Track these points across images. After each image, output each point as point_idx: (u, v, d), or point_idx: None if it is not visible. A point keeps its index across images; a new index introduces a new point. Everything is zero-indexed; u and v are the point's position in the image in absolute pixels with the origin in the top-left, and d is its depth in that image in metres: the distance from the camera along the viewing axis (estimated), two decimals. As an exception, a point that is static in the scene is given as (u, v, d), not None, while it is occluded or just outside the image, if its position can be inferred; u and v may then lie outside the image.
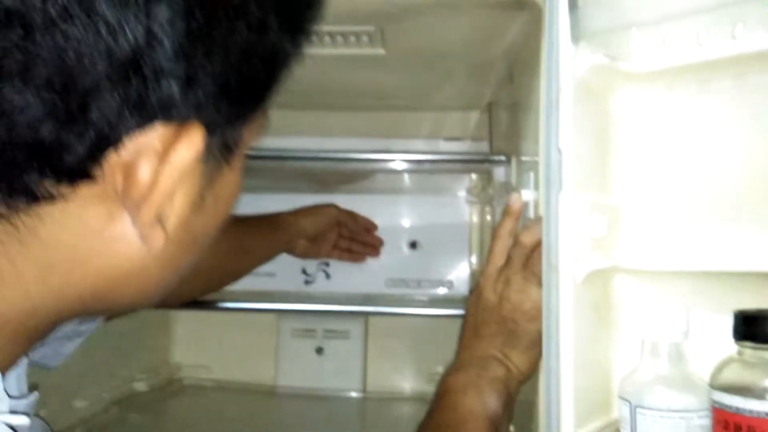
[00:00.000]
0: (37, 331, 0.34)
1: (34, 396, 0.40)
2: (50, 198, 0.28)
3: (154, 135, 0.29)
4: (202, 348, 1.18)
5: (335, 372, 1.12)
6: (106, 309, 0.37)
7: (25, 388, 0.40)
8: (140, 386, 1.07)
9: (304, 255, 1.06)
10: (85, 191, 0.29)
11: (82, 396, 0.93)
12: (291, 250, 1.03)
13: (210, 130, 0.30)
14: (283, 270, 1.12)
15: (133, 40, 0.26)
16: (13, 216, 0.29)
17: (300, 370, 1.12)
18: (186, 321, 1.19)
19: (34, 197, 0.28)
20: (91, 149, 0.28)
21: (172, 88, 0.28)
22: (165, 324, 1.18)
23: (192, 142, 0.30)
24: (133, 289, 0.34)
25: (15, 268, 0.30)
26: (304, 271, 1.12)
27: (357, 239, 1.11)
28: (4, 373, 0.34)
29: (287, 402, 1.09)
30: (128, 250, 0.32)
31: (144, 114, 0.28)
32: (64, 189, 0.29)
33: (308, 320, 1.14)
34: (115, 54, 0.26)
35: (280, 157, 0.94)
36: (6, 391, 0.34)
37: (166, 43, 0.26)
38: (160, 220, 0.31)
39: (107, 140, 0.28)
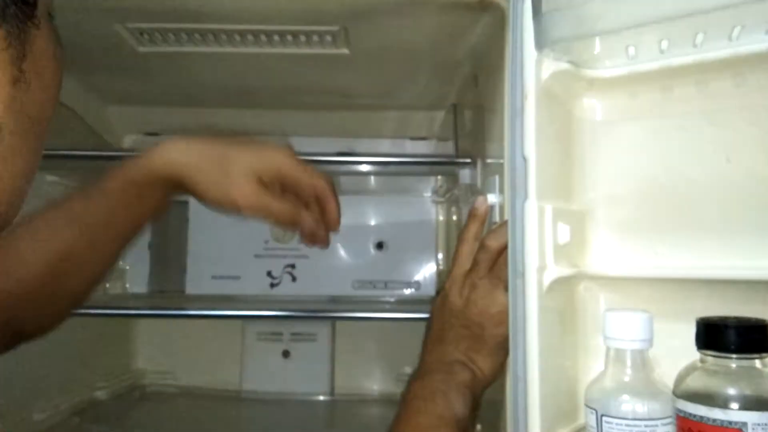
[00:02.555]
0: None
1: None
2: None
3: None
4: (165, 353, 1.16)
5: (302, 375, 1.11)
6: None
7: None
8: (101, 394, 1.04)
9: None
10: None
11: (41, 407, 0.90)
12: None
13: None
14: (248, 273, 1.10)
15: None
16: None
17: (266, 374, 1.11)
18: (148, 325, 1.17)
19: None
20: None
21: None
22: (126, 329, 1.15)
23: None
24: None
25: None
26: (269, 274, 1.11)
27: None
28: None
29: (254, 407, 1.08)
30: None
31: None
32: None
33: (274, 323, 1.12)
34: None
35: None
36: None
37: None
38: None
39: None
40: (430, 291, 1.10)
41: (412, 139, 1.13)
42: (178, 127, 1.11)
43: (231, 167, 0.57)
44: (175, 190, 0.59)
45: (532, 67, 0.46)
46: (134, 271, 1.15)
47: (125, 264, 1.15)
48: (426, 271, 1.12)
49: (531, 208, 0.45)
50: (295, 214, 0.61)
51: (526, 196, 0.46)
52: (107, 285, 1.11)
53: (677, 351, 0.43)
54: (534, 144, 0.45)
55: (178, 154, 0.58)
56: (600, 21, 0.41)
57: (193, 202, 1.13)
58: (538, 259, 0.45)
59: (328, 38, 0.74)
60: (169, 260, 1.14)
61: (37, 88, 0.31)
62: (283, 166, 0.60)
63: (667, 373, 0.43)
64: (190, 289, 1.10)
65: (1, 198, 0.31)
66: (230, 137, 0.60)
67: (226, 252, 1.10)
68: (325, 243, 0.65)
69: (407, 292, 1.11)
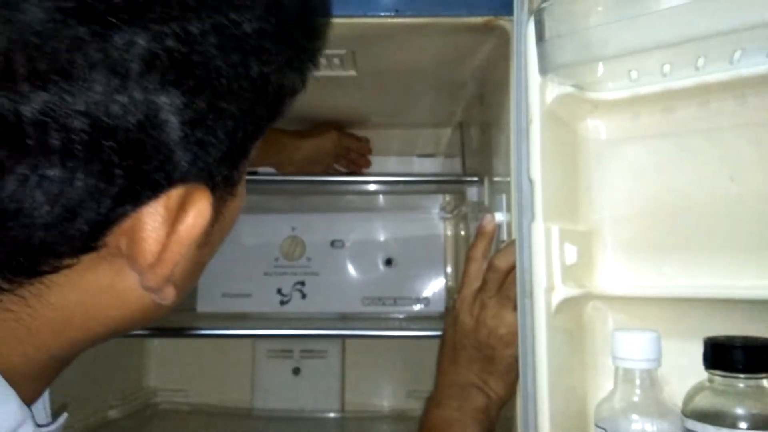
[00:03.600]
0: (56, 370, 0.34)
1: (63, 418, 0.39)
2: (53, 271, 0.28)
3: (160, 202, 0.27)
4: (177, 371, 1.17)
5: (313, 392, 1.11)
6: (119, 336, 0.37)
7: (49, 413, 0.40)
8: (114, 413, 1.04)
9: (292, 172, 1.02)
10: (89, 256, 0.28)
11: (54, 427, 0.90)
12: (279, 168, 1.01)
13: (216, 179, 0.29)
14: (258, 291, 1.11)
15: (137, 124, 0.25)
16: (17, 288, 0.28)
17: (277, 391, 1.11)
18: (160, 344, 1.17)
19: (37, 274, 0.28)
20: (95, 232, 0.27)
21: (181, 162, 0.27)
22: (139, 348, 1.16)
23: (200, 212, 0.28)
24: (147, 322, 0.34)
25: (29, 330, 0.30)
26: (279, 292, 1.12)
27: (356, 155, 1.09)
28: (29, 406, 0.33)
29: (265, 424, 1.08)
30: (140, 300, 0.31)
31: (150, 190, 0.27)
32: (68, 261, 0.28)
33: (284, 341, 1.13)
34: (121, 141, 0.25)
35: (256, 180, 0.93)
36: (35, 420, 0.33)
37: (174, 125, 0.26)
38: (170, 280, 0.30)
39: (113, 220, 0.27)
40: (440, 307, 1.10)
41: (420, 156, 1.14)
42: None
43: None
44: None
45: (536, 92, 0.47)
46: (146, 291, 1.16)
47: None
48: (435, 287, 1.12)
49: (538, 229, 0.46)
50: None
51: (532, 218, 0.46)
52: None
53: (686, 370, 0.43)
54: (539, 166, 0.46)
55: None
56: (602, 47, 0.42)
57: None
58: (545, 279, 0.46)
59: (336, 61, 0.76)
60: (181, 279, 1.15)
61: (216, 240, 0.33)
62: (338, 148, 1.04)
63: (675, 391, 0.44)
64: (201, 307, 1.11)
65: (160, 316, 0.34)
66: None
67: (236, 270, 1.11)
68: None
69: (416, 308, 1.11)
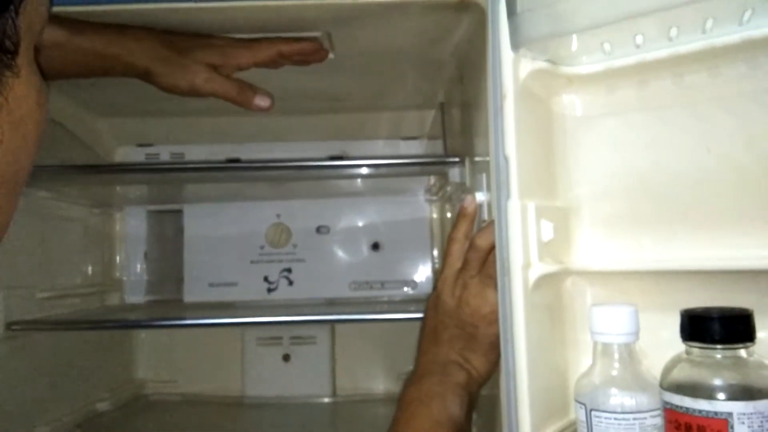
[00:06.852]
0: None
1: None
2: None
3: None
4: (166, 362, 1.17)
5: (303, 378, 1.11)
6: None
7: None
8: (104, 406, 1.04)
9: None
10: None
11: (43, 421, 0.90)
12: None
13: None
14: (245, 279, 1.10)
15: None
16: None
17: (267, 378, 1.12)
18: (148, 335, 1.17)
19: None
20: None
21: None
22: (127, 340, 1.16)
23: None
24: None
25: None
26: (266, 279, 1.11)
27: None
28: None
29: (256, 412, 1.08)
30: None
31: None
32: None
33: (273, 328, 1.13)
34: None
35: (238, 168, 0.92)
36: None
37: None
38: None
39: None
40: (428, 290, 1.10)
41: (404, 139, 1.13)
42: (169, 136, 1.12)
43: (188, 60, 0.66)
44: (137, 77, 0.66)
45: (509, 67, 0.46)
46: (131, 282, 1.15)
47: (122, 275, 1.16)
48: (422, 270, 1.12)
49: (513, 206, 0.46)
50: (240, 89, 0.70)
51: (508, 195, 0.46)
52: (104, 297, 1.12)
53: (665, 342, 0.43)
54: (514, 143, 0.46)
55: (146, 55, 0.65)
56: (573, 18, 0.42)
57: (187, 211, 1.15)
58: (522, 256, 0.46)
59: (313, 43, 0.75)
60: (166, 270, 1.15)
61: (13, 141, 0.28)
62: (229, 55, 0.68)
63: (655, 364, 0.44)
64: (188, 297, 1.11)
65: None
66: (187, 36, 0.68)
67: (222, 259, 1.11)
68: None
69: (405, 291, 1.12)
